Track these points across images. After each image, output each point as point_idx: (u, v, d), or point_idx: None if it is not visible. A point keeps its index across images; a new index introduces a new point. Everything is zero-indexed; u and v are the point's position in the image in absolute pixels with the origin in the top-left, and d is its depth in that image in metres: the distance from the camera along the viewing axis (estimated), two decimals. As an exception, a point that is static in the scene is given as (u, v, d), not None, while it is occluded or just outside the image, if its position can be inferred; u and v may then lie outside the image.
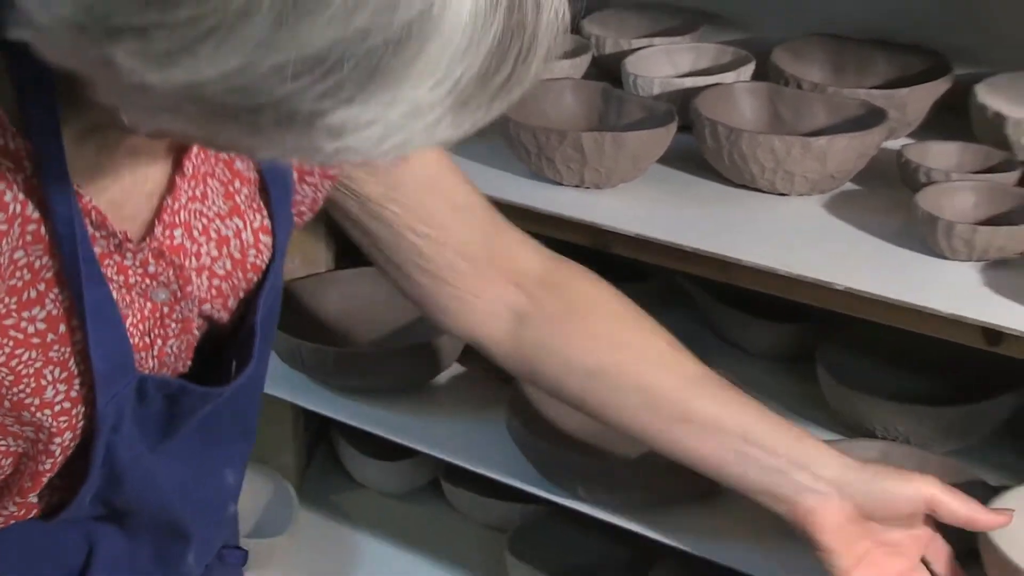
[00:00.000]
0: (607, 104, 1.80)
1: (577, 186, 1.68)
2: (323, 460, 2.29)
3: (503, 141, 1.71)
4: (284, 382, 1.95)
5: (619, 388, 1.40)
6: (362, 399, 1.89)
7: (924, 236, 1.51)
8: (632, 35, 2.00)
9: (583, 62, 1.91)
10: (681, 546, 1.62)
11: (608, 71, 1.93)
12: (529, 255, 1.43)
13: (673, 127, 1.68)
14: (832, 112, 1.74)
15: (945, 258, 1.50)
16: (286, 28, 0.70)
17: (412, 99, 0.76)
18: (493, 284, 1.40)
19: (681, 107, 1.74)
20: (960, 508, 1.35)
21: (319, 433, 2.27)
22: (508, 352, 1.43)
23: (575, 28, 2.01)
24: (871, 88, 1.80)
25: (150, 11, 0.70)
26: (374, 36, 0.71)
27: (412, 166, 1.29)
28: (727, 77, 1.83)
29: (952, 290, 1.45)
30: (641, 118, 1.75)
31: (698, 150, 1.71)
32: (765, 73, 1.88)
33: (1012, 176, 1.59)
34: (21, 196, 0.96)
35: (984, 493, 1.59)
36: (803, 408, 1.87)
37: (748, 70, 1.87)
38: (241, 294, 1.18)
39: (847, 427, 1.79)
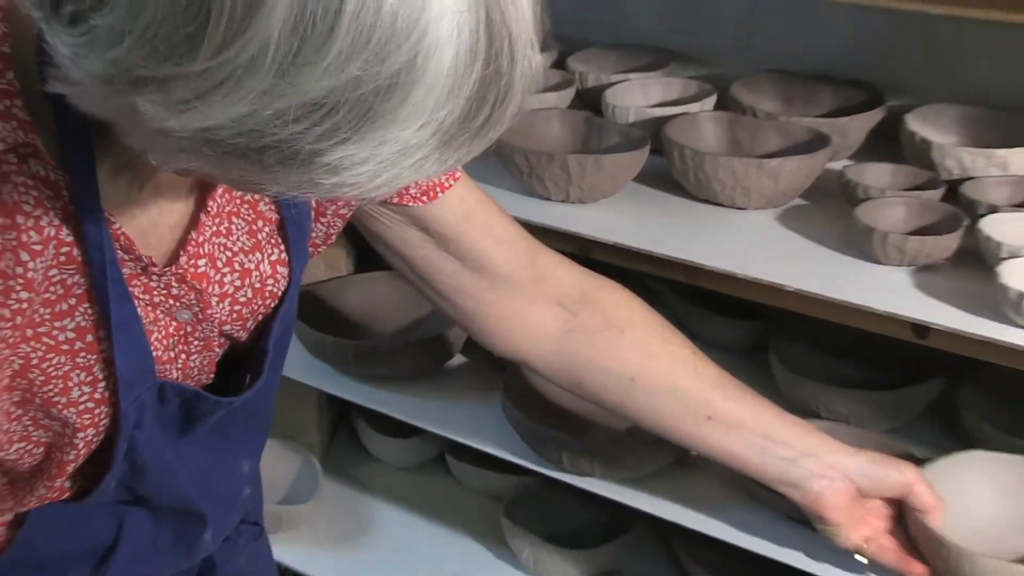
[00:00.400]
0: (589, 130, 1.80)
1: (563, 201, 1.68)
2: (344, 438, 2.28)
3: (499, 162, 1.70)
4: (310, 370, 1.94)
5: (654, 393, 1.39)
6: (378, 385, 1.88)
7: (862, 244, 1.51)
8: (610, 71, 1.99)
9: (568, 94, 1.91)
10: (654, 511, 1.62)
11: (590, 102, 1.93)
12: (567, 274, 1.41)
13: (646, 150, 1.68)
14: (783, 138, 1.74)
15: (880, 263, 1.51)
16: (287, 78, 0.70)
17: (401, 139, 0.76)
18: (536, 305, 1.39)
19: (653, 133, 1.73)
20: (929, 498, 1.38)
21: (340, 414, 2.26)
22: (554, 367, 1.43)
23: (561, 64, 2.04)
24: (816, 117, 1.81)
25: (169, 65, 0.70)
26: (365, 84, 0.70)
27: (448, 202, 1.28)
28: (692, 107, 1.83)
29: (886, 291, 1.45)
30: (618, 142, 1.75)
31: (668, 170, 1.71)
32: (725, 104, 1.88)
33: (937, 193, 1.59)
34: (56, 221, 0.95)
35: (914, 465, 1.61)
36: (759, 392, 1.80)
37: (710, 101, 1.87)
38: (259, 317, 1.18)
39: (796, 410, 1.70)
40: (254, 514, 1.46)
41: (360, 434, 2.23)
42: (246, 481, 1.33)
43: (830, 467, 1.39)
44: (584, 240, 1.61)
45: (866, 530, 1.41)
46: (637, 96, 1.88)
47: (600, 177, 1.64)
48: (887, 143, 1.78)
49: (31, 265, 0.95)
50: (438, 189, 1.26)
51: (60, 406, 1.02)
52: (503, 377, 1.77)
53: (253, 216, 1.14)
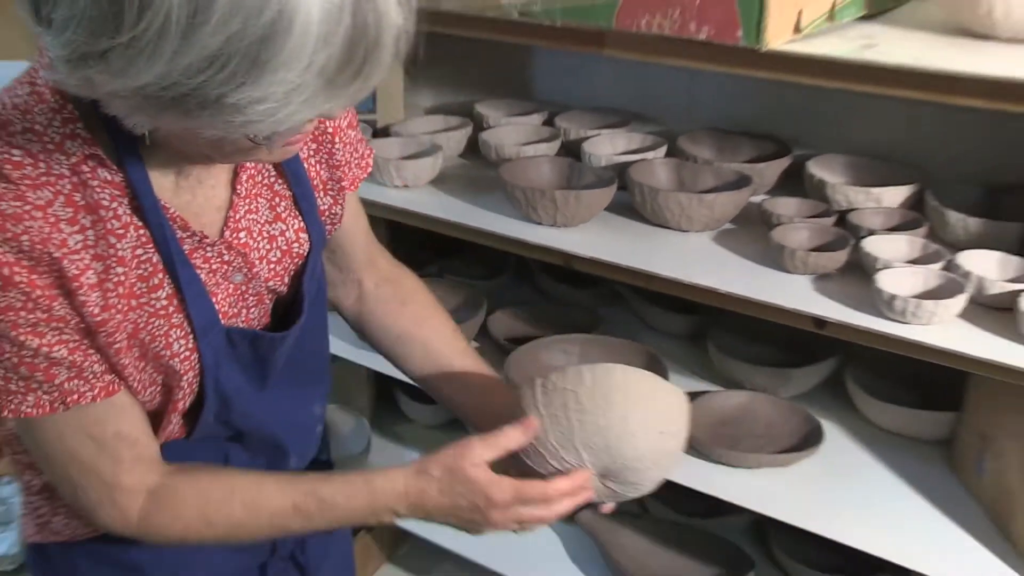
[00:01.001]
0: (571, 172, 1.81)
1: (552, 225, 1.68)
2: (386, 403, 2.26)
3: (504, 196, 1.71)
4: (360, 353, 1.92)
5: (413, 347, 1.38)
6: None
7: (776, 258, 1.52)
8: (587, 128, 1.98)
9: (555, 145, 1.91)
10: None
11: (572, 151, 1.92)
12: (384, 263, 1.42)
13: (614, 187, 1.70)
14: (716, 178, 1.75)
15: (789, 272, 1.52)
16: (188, 39, 0.74)
17: (288, 80, 0.78)
18: (362, 275, 1.39)
19: (619, 174, 1.75)
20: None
21: (383, 385, 2.24)
22: (352, 319, 1.42)
23: (550, 123, 2.03)
24: (741, 163, 1.81)
25: (104, 40, 0.75)
26: (248, 35, 0.74)
27: (348, 208, 1.28)
28: (649, 155, 1.83)
29: (793, 293, 1.46)
30: (593, 181, 1.75)
31: (630, 202, 1.72)
32: (673, 153, 1.87)
33: (830, 220, 1.61)
34: (128, 211, 0.98)
35: (810, 423, 1.67)
36: (699, 370, 1.90)
37: (662, 151, 1.87)
38: (292, 272, 1.17)
39: (727, 383, 1.83)
40: (325, 453, 1.45)
41: (398, 400, 2.22)
42: (317, 420, 1.34)
43: None
44: (567, 255, 1.61)
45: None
46: (607, 147, 1.88)
47: (579, 207, 1.65)
48: (793, 183, 1.79)
49: (119, 246, 0.97)
50: (350, 185, 1.26)
51: (166, 357, 1.04)
52: (508, 357, 1.79)
53: (271, 195, 1.14)
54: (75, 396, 1.00)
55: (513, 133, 1.98)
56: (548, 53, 2.16)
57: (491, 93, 2.21)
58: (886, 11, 1.54)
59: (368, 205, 1.77)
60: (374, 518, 1.14)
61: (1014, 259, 1.44)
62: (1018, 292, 1.35)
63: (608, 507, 1.26)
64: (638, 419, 1.13)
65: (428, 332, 1.40)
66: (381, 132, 2.07)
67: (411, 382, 1.81)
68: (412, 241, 1.93)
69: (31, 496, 1.23)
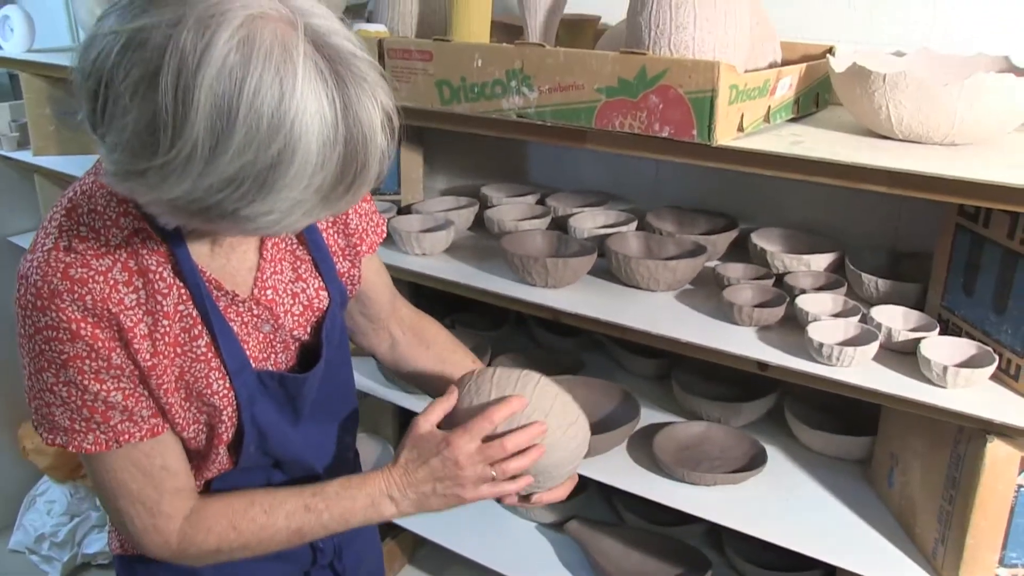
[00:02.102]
0: (560, 243, 1.80)
1: (544, 287, 1.68)
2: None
3: (505, 262, 1.72)
4: (386, 391, 1.94)
5: (440, 382, 1.37)
6: (425, 400, 1.74)
7: (727, 313, 1.52)
8: (573, 206, 1.98)
9: (546, 220, 1.91)
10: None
11: (560, 225, 1.92)
12: (406, 313, 1.42)
13: (595, 255, 1.69)
14: (678, 247, 1.74)
15: (737, 325, 1.52)
16: (209, 165, 0.76)
17: (291, 197, 0.81)
18: (390, 325, 1.40)
19: (599, 244, 1.75)
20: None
21: (406, 416, 2.19)
22: (387, 362, 1.42)
23: (542, 202, 2.02)
24: (698, 235, 1.81)
25: (142, 162, 0.78)
26: (259, 163, 0.77)
27: (369, 268, 1.28)
28: (623, 228, 1.83)
29: (741, 341, 1.46)
30: (578, 250, 1.75)
31: (608, 267, 1.71)
32: (643, 226, 1.87)
33: (770, 281, 1.61)
34: (171, 273, 1.00)
35: (756, 448, 1.65)
36: (665, 404, 1.88)
37: (633, 225, 1.87)
38: (314, 323, 1.16)
39: (688, 415, 1.81)
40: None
41: None
42: (347, 448, 1.32)
43: None
44: (556, 311, 1.61)
45: None
46: (589, 221, 1.88)
47: (566, 272, 1.65)
48: (740, 251, 1.79)
49: (164, 303, 0.99)
50: (368, 249, 1.25)
51: (208, 395, 1.04)
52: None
53: (293, 259, 1.14)
54: (126, 436, 1.01)
55: (512, 211, 1.98)
56: (541, 146, 2.15)
57: (494, 178, 2.22)
58: (809, 114, 1.56)
59: (393, 270, 1.75)
60: (375, 511, 1.12)
61: (915, 313, 1.45)
62: (918, 340, 1.36)
63: (513, 500, 1.21)
64: (569, 434, 1.18)
65: (451, 368, 1.39)
66: (404, 210, 2.07)
67: None
68: (431, 299, 1.93)
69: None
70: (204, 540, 1.09)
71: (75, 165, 2.54)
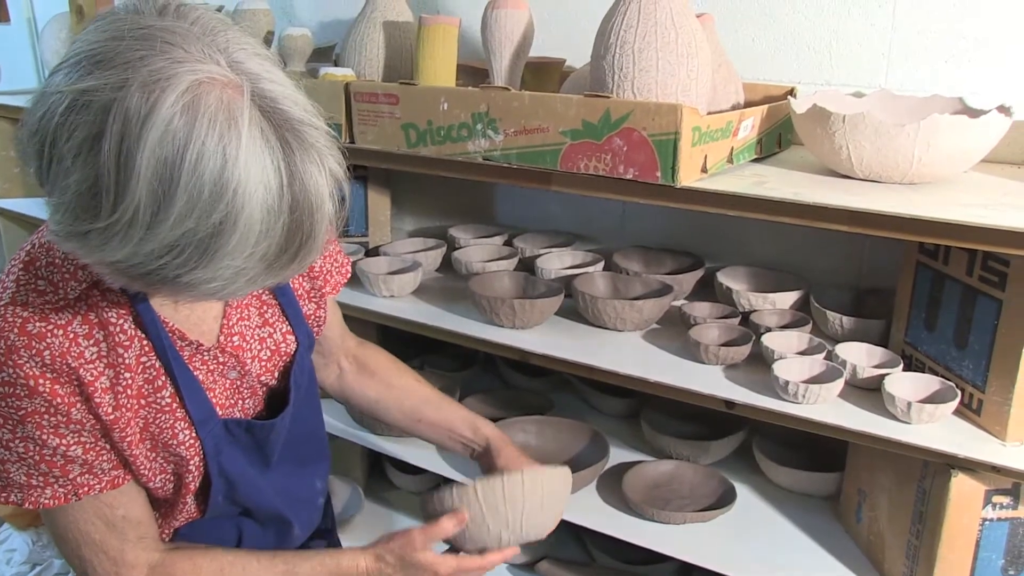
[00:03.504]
0: (527, 283, 1.80)
1: (511, 328, 1.67)
2: (377, 473, 2.22)
3: (472, 304, 1.71)
4: (355, 433, 1.92)
5: (388, 407, 1.40)
6: (397, 442, 1.89)
7: (693, 352, 1.52)
8: (540, 246, 2.00)
9: (513, 262, 1.91)
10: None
11: (527, 266, 1.92)
12: (352, 345, 1.42)
13: (562, 296, 1.69)
14: (644, 287, 1.75)
15: (704, 363, 1.52)
16: (151, 230, 0.75)
17: (234, 266, 0.79)
18: (339, 358, 1.40)
19: (566, 285, 1.75)
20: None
21: (374, 458, 2.20)
22: (336, 393, 1.42)
23: (509, 243, 2.03)
24: (664, 274, 1.81)
25: (84, 224, 0.76)
26: (201, 230, 0.75)
27: (330, 302, 1.28)
28: (589, 269, 1.83)
29: (708, 380, 1.46)
30: (545, 291, 1.75)
31: (575, 308, 1.71)
32: (609, 267, 1.87)
33: (736, 320, 1.62)
34: (132, 325, 0.98)
35: (725, 485, 1.65)
36: (634, 443, 1.87)
37: (600, 265, 1.87)
38: (281, 368, 1.15)
39: (657, 453, 1.81)
40: (329, 522, 1.43)
41: (387, 471, 2.18)
42: (319, 493, 1.32)
43: (486, 436, 1.38)
44: (524, 351, 1.60)
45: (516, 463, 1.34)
46: (556, 262, 1.88)
47: (534, 313, 1.65)
48: (706, 290, 1.81)
49: (126, 355, 0.97)
50: (332, 290, 1.25)
51: (174, 445, 1.03)
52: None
53: (259, 304, 1.13)
54: (85, 488, 0.99)
55: (479, 252, 1.99)
56: (507, 188, 2.16)
57: (462, 219, 2.22)
58: (772, 155, 1.59)
59: (361, 311, 1.78)
60: None
61: (879, 349, 1.46)
62: (882, 376, 1.38)
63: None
64: (543, 510, 1.24)
65: (398, 392, 1.41)
66: (372, 251, 2.08)
67: (398, 457, 1.83)
68: (398, 340, 1.92)
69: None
70: None
71: (39, 208, 2.52)
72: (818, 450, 1.72)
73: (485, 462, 1.39)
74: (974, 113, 1.40)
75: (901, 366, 1.42)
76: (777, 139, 1.59)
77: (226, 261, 0.78)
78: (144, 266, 0.78)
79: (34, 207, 2.53)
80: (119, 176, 0.74)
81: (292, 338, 1.16)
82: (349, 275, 1.29)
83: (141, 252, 0.77)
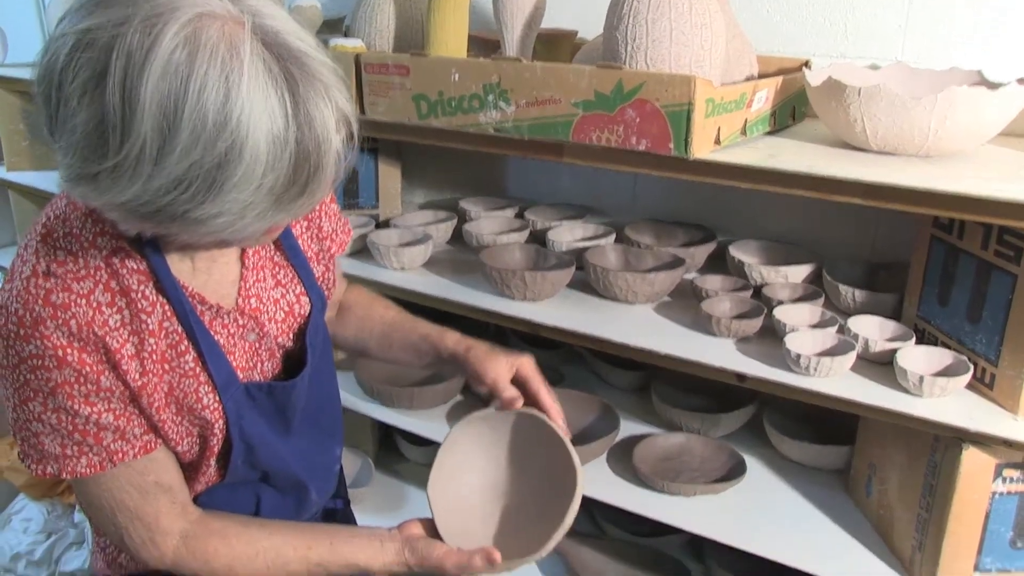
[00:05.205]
0: (538, 256, 1.81)
1: (522, 300, 1.68)
2: (387, 445, 2.24)
3: (483, 276, 1.72)
4: (365, 405, 1.92)
5: (364, 339, 1.37)
6: (407, 414, 1.89)
7: (705, 324, 1.53)
8: (551, 219, 2.00)
9: (525, 234, 1.91)
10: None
11: (539, 239, 1.92)
12: (343, 288, 1.41)
13: (573, 268, 1.69)
14: (656, 260, 1.75)
15: (716, 336, 1.52)
16: (158, 165, 0.76)
17: (241, 200, 0.80)
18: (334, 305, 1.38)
19: (577, 258, 1.75)
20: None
21: (384, 431, 2.22)
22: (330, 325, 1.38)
23: (521, 216, 2.03)
24: (676, 247, 1.81)
25: (93, 164, 0.77)
26: (207, 162, 0.76)
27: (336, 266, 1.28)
28: (601, 241, 1.84)
29: (720, 353, 1.47)
30: (556, 263, 1.75)
31: (587, 280, 1.72)
32: (621, 239, 1.87)
33: (748, 293, 1.62)
34: (153, 291, 0.99)
35: (736, 458, 1.65)
36: (645, 416, 1.87)
37: (612, 238, 1.88)
38: (296, 329, 1.16)
39: (668, 426, 1.81)
40: (343, 492, 1.45)
41: (397, 443, 2.21)
42: (336, 460, 1.34)
43: (461, 340, 1.29)
44: (535, 324, 1.61)
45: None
46: (567, 235, 1.88)
47: (545, 285, 1.66)
48: (718, 263, 1.81)
49: (149, 321, 0.98)
50: (339, 249, 1.25)
51: (199, 409, 1.04)
52: (488, 407, 1.78)
53: (273, 266, 1.14)
54: (120, 455, 1.00)
55: (490, 224, 1.99)
56: (518, 160, 2.16)
57: (473, 192, 2.22)
58: (786, 128, 1.58)
59: (371, 284, 1.79)
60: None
61: (891, 323, 1.46)
62: (894, 350, 1.37)
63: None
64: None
65: (369, 324, 1.38)
66: (382, 224, 2.08)
67: (408, 429, 1.83)
68: (409, 312, 1.95)
69: (100, 536, 1.22)
70: (199, 568, 1.09)
71: (49, 181, 2.52)
72: (829, 424, 1.72)
73: (461, 370, 1.31)
74: (992, 86, 1.39)
75: (913, 340, 1.41)
76: (791, 112, 1.58)
77: (233, 194, 0.79)
78: (153, 203, 0.79)
79: (43, 180, 2.53)
80: (124, 112, 0.75)
81: (306, 299, 1.17)
82: (351, 233, 1.30)
83: (150, 189, 0.78)
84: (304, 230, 1.20)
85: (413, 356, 1.34)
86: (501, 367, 1.21)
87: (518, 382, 1.20)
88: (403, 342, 1.34)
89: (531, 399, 1.19)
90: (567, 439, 1.16)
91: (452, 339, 1.29)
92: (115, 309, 0.96)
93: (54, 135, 0.81)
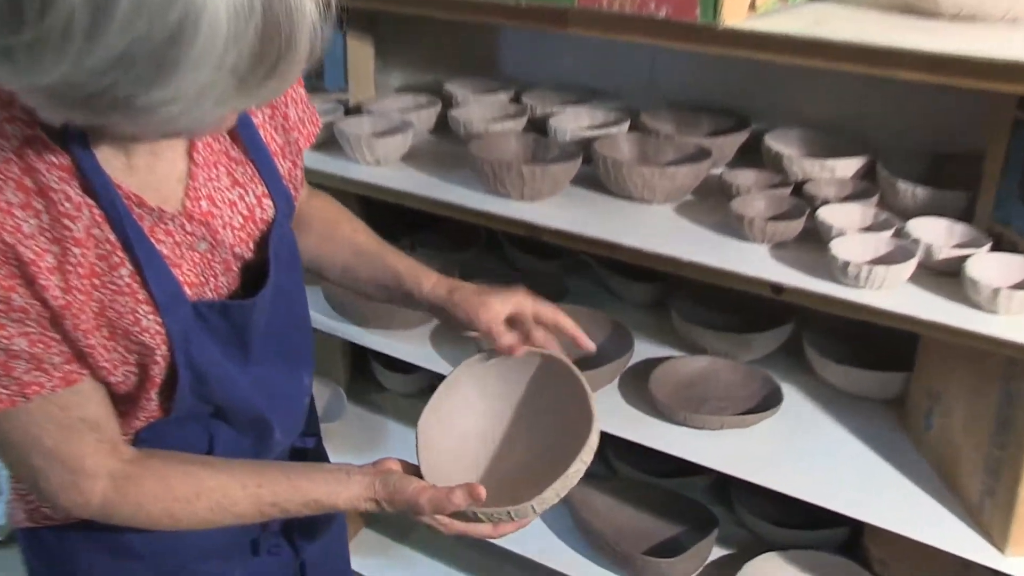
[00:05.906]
0: (537, 147, 1.81)
1: (519, 199, 1.68)
2: (362, 373, 2.27)
3: (473, 171, 1.71)
4: (334, 325, 1.94)
5: (323, 265, 1.37)
6: (384, 335, 1.90)
7: (735, 227, 1.53)
8: (553, 103, 1.99)
9: (522, 121, 1.92)
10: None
11: (538, 126, 1.92)
12: (305, 195, 1.38)
13: (579, 161, 1.70)
14: (677, 151, 1.75)
15: (748, 241, 1.52)
16: (91, 40, 0.71)
17: (198, 80, 0.75)
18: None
19: (584, 148, 1.75)
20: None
21: (358, 355, 2.24)
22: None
23: (517, 99, 2.03)
24: (701, 137, 1.81)
25: (7, 36, 0.72)
26: (154, 37, 0.71)
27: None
28: (612, 130, 1.84)
29: (752, 260, 1.47)
30: (558, 155, 1.75)
31: (595, 175, 1.72)
32: (636, 127, 1.87)
33: (787, 190, 1.62)
34: (79, 191, 0.94)
35: (770, 386, 1.67)
36: (662, 336, 1.89)
37: (625, 125, 1.87)
38: (257, 237, 1.14)
39: (689, 348, 1.83)
40: (314, 427, 1.45)
41: (374, 370, 2.21)
42: (305, 392, 1.32)
43: (440, 282, 1.31)
44: (534, 226, 1.61)
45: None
46: (572, 122, 1.87)
47: (546, 181, 1.65)
48: (751, 155, 1.80)
49: (74, 227, 0.94)
50: (307, 142, 1.24)
51: (136, 332, 1.01)
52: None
53: (228, 161, 1.11)
54: (34, 387, 0.98)
55: (481, 110, 1.98)
56: (514, 32, 2.14)
57: (459, 72, 2.20)
58: None
59: (341, 181, 1.79)
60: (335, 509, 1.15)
61: (959, 226, 1.45)
62: (964, 257, 1.36)
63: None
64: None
65: (331, 247, 1.39)
66: (353, 110, 2.07)
67: (385, 352, 1.83)
68: (384, 216, 1.91)
69: (19, 483, 1.21)
70: (132, 515, 1.08)
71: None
72: (881, 346, 1.72)
73: (443, 317, 1.35)
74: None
75: (988, 246, 1.40)
76: (843, -30, 1.56)
77: (190, 75, 0.75)
78: (87, 87, 0.75)
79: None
80: None
81: (269, 202, 1.15)
82: (320, 124, 1.28)
83: (82, 69, 0.73)
84: (267, 119, 1.17)
85: (382, 293, 1.36)
86: (494, 310, 1.24)
87: (516, 323, 1.22)
88: (369, 276, 1.36)
89: (533, 340, 1.22)
90: (591, 395, 1.20)
91: (430, 282, 1.31)
92: (31, 212, 0.92)
93: None
